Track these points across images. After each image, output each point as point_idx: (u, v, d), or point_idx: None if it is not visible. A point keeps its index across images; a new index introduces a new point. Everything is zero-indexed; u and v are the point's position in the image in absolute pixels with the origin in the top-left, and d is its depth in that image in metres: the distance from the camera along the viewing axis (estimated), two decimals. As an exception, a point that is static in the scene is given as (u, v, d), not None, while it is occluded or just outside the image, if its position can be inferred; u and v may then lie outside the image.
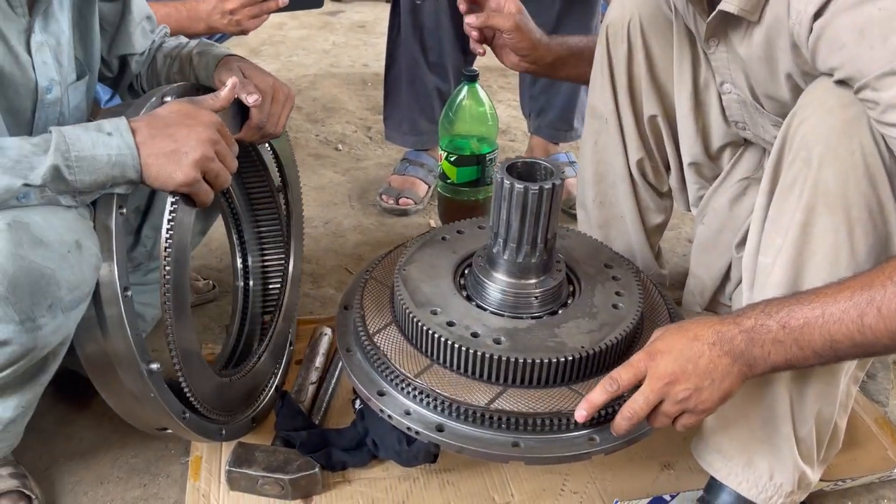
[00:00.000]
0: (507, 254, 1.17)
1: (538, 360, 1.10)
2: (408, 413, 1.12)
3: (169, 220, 1.08)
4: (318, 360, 1.48)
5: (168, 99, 1.14)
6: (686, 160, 1.46)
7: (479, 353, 1.10)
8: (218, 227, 1.62)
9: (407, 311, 1.17)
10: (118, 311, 1.02)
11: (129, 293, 1.03)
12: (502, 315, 1.18)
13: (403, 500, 1.26)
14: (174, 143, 1.03)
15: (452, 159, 1.95)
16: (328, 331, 1.54)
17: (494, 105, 2.00)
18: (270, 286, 1.53)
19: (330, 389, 1.44)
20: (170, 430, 1.18)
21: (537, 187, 1.10)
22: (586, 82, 1.51)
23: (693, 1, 1.22)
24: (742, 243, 1.24)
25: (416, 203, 2.15)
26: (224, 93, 1.15)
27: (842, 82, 0.99)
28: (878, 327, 0.90)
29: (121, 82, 1.40)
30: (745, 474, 1.13)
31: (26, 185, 0.94)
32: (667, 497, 1.27)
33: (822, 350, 0.93)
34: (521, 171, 1.17)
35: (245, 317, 1.51)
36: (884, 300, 0.89)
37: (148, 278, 1.48)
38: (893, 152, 0.97)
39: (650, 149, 1.49)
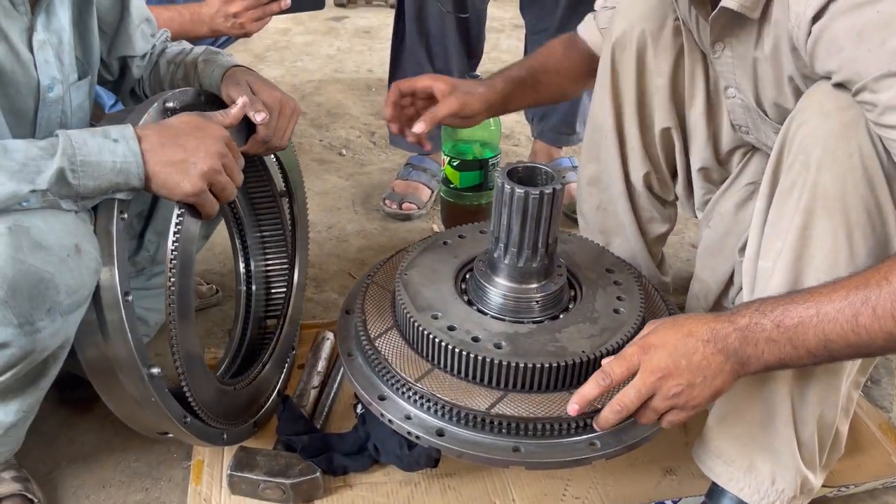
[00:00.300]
0: (508, 258, 1.17)
1: (539, 365, 1.10)
2: (409, 418, 1.12)
3: (175, 230, 1.09)
4: (321, 365, 1.48)
5: (170, 104, 1.14)
6: (696, 166, 1.46)
7: (479, 358, 1.10)
8: (221, 231, 1.62)
9: (408, 315, 1.17)
10: (119, 315, 1.02)
11: (129, 298, 1.03)
12: (503, 320, 1.18)
13: (404, 505, 1.26)
14: (183, 153, 1.04)
15: (455, 164, 1.95)
16: (330, 335, 1.55)
17: (497, 110, 2.00)
18: (273, 291, 1.54)
19: (332, 394, 1.44)
20: (171, 435, 1.18)
21: (538, 192, 1.10)
22: (543, 104, 1.51)
23: (697, 6, 1.22)
24: (744, 248, 1.24)
25: (419, 208, 2.16)
26: (234, 111, 1.18)
27: (840, 85, 0.99)
28: (873, 327, 0.89)
29: (122, 86, 1.40)
30: (747, 479, 1.12)
31: (33, 190, 0.95)
32: (668, 503, 1.27)
33: (816, 349, 0.93)
34: (522, 175, 1.17)
35: (248, 321, 1.51)
36: (879, 300, 0.89)
37: (151, 283, 1.48)
38: (891, 154, 0.96)
39: (658, 162, 1.48)
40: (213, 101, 1.27)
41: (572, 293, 1.26)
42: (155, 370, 1.06)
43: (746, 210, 1.42)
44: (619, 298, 1.23)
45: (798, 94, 1.12)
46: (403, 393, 1.14)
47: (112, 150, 0.99)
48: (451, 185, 1.99)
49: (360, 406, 1.32)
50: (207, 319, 1.71)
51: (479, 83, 1.49)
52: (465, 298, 1.22)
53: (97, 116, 1.56)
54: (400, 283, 1.23)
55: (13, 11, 1.07)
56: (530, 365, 1.10)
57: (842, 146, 0.97)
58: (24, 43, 1.09)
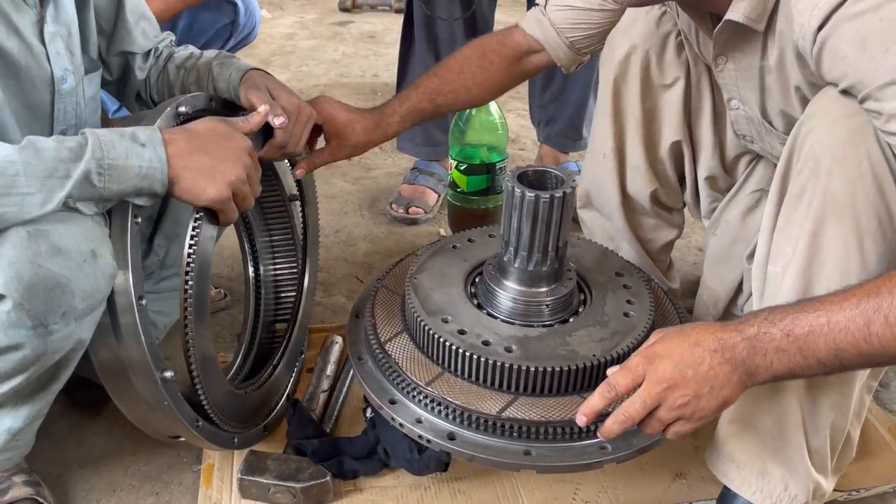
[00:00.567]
0: (518, 262, 1.17)
1: (550, 369, 1.10)
2: (419, 421, 1.12)
3: (192, 234, 1.09)
4: (330, 369, 1.48)
5: (182, 108, 1.15)
6: (702, 175, 1.46)
7: (490, 362, 1.10)
8: (230, 236, 1.63)
9: (418, 319, 1.17)
10: (133, 319, 1.03)
11: (143, 301, 1.04)
12: (513, 323, 1.18)
13: (414, 509, 1.26)
14: (211, 160, 1.05)
15: (462, 168, 1.96)
16: (339, 339, 1.55)
17: (504, 114, 2.01)
18: (282, 295, 1.54)
19: (341, 398, 1.44)
20: (182, 438, 1.18)
21: (548, 196, 1.11)
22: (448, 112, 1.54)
23: (698, 20, 1.22)
24: (753, 254, 1.24)
25: (426, 212, 2.16)
26: (255, 119, 1.19)
27: (847, 92, 1.00)
28: (886, 336, 0.88)
29: (126, 89, 1.39)
30: (760, 484, 1.12)
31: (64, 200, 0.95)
32: (679, 506, 1.27)
33: (827, 359, 0.92)
34: (532, 179, 1.18)
35: (257, 326, 1.52)
36: (891, 308, 0.88)
37: (160, 286, 1.49)
38: None
39: (665, 176, 1.48)
40: (224, 106, 1.28)
41: (582, 297, 1.26)
42: (168, 374, 1.07)
43: (753, 217, 1.42)
44: (628, 302, 1.23)
45: (805, 102, 1.12)
46: (414, 397, 1.14)
47: (139, 155, 1.00)
48: (459, 189, 1.99)
49: (369, 410, 1.32)
50: (216, 323, 1.71)
51: (374, 124, 1.45)
52: (475, 302, 1.23)
53: (102, 120, 1.56)
54: (410, 286, 1.23)
55: (23, 5, 1.08)
56: (541, 369, 1.10)
57: (851, 153, 0.97)
58: (35, 36, 1.10)
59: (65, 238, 0.95)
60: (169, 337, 1.52)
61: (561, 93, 2.17)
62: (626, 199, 1.50)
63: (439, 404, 1.11)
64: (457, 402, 1.10)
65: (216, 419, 1.18)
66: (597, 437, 1.09)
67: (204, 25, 1.92)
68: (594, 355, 1.12)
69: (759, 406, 1.10)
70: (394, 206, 2.17)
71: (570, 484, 1.30)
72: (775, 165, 1.34)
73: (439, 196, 2.21)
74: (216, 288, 1.78)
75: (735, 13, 1.12)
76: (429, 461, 1.23)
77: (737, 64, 1.22)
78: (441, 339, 1.13)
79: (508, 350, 1.12)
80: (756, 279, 1.13)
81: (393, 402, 1.16)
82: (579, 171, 2.23)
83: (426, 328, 1.16)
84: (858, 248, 0.98)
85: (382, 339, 1.20)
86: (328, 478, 1.23)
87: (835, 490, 1.21)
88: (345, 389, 1.45)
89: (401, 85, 2.20)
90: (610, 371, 1.02)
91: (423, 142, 2.22)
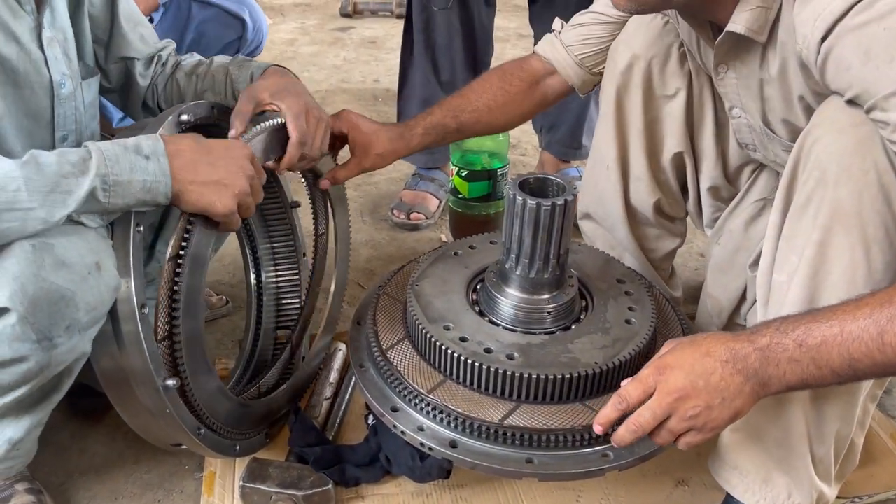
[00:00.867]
0: (519, 269, 1.17)
1: (552, 376, 1.10)
2: (421, 429, 1.12)
3: (184, 238, 1.09)
4: (333, 376, 1.48)
5: (185, 117, 1.15)
6: (705, 185, 1.46)
7: (492, 369, 1.10)
8: (231, 242, 1.63)
9: (420, 326, 1.17)
10: (135, 327, 1.03)
11: (145, 310, 1.04)
12: (515, 331, 1.18)
13: (416, 517, 1.26)
14: (216, 174, 1.05)
15: (464, 174, 1.96)
16: (342, 346, 1.55)
17: (505, 120, 2.01)
18: (283, 302, 1.54)
19: (343, 405, 1.44)
20: (184, 446, 1.18)
21: (550, 203, 1.11)
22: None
23: (698, 29, 1.22)
24: (756, 263, 1.24)
25: (427, 218, 2.16)
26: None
27: (853, 101, 1.00)
28: None
29: (129, 97, 1.38)
30: (763, 492, 1.12)
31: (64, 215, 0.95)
32: (681, 514, 1.27)
33: (841, 369, 0.91)
34: (534, 187, 1.18)
35: (258, 332, 1.52)
36: None
37: (161, 294, 1.49)
38: None
39: (667, 186, 1.48)
40: (227, 113, 1.28)
41: (583, 304, 1.26)
42: (170, 382, 1.07)
43: (756, 226, 1.42)
44: (630, 309, 1.23)
45: (809, 112, 1.12)
46: (416, 404, 1.14)
47: (143, 168, 1.00)
48: (460, 196, 1.99)
49: (371, 417, 1.32)
50: (217, 330, 1.71)
51: (398, 135, 1.46)
52: (477, 309, 1.23)
53: (106, 127, 1.56)
54: (411, 293, 1.23)
55: (20, 11, 1.08)
56: (543, 376, 1.10)
57: (857, 162, 0.97)
58: (34, 42, 1.10)
59: (69, 251, 0.96)
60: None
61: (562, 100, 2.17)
62: (629, 210, 1.50)
63: (441, 412, 1.11)
64: (459, 410, 1.10)
65: (216, 427, 1.18)
66: (599, 445, 1.10)
67: (211, 41, 1.92)
68: (596, 363, 1.12)
69: (763, 414, 1.10)
70: (395, 211, 2.17)
71: (573, 491, 1.30)
72: (778, 175, 1.35)
73: (441, 202, 2.21)
74: (218, 295, 1.78)
75: (737, 25, 1.12)
76: (431, 468, 1.23)
77: (738, 73, 1.22)
78: (443, 347, 1.13)
79: (510, 357, 1.12)
80: (761, 287, 1.13)
81: (395, 409, 1.16)
82: (580, 175, 2.24)
83: (428, 335, 1.16)
84: (865, 257, 0.98)
85: (384, 347, 1.20)
86: (330, 486, 1.23)
87: (838, 497, 1.20)
88: (347, 397, 1.45)
89: (402, 91, 2.20)
90: (624, 383, 1.02)
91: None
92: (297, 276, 1.53)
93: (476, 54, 2.13)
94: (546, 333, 1.18)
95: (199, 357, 1.14)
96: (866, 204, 0.97)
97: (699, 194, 1.49)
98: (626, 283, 1.29)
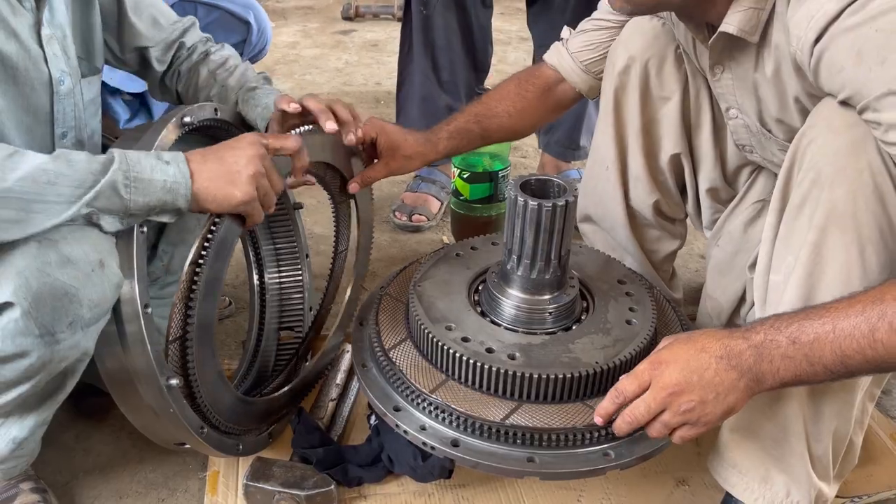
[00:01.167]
0: (520, 270, 1.18)
1: (553, 376, 1.10)
2: (423, 428, 1.13)
3: (207, 238, 1.09)
4: (339, 377, 1.49)
5: (187, 119, 1.16)
6: (704, 187, 1.47)
7: (494, 369, 1.11)
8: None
9: (422, 326, 1.18)
10: (139, 327, 1.04)
11: (149, 310, 1.05)
12: (516, 331, 1.19)
13: (418, 516, 1.27)
14: (224, 164, 1.06)
15: (465, 176, 1.97)
16: (349, 347, 1.55)
17: (506, 122, 2.02)
18: (286, 303, 1.55)
19: (349, 406, 1.44)
20: (188, 445, 1.19)
21: (551, 204, 1.12)
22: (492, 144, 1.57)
23: (694, 31, 1.23)
24: (754, 264, 1.24)
25: (428, 220, 2.17)
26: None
27: (846, 102, 1.00)
28: (890, 342, 0.89)
29: (148, 79, 1.41)
30: (762, 490, 1.12)
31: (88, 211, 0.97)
32: (682, 513, 1.27)
33: (833, 365, 0.93)
34: (535, 188, 1.19)
35: (261, 333, 1.53)
36: (895, 315, 0.89)
37: (164, 292, 1.50)
38: None
39: (666, 187, 1.49)
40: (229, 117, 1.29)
41: (585, 304, 1.27)
42: (173, 381, 1.08)
43: (755, 228, 1.43)
44: (631, 309, 1.24)
45: (805, 113, 1.13)
46: (418, 404, 1.15)
47: (163, 170, 1.02)
48: (462, 197, 2.00)
49: (373, 417, 1.33)
50: (220, 331, 1.72)
51: (425, 139, 1.48)
52: (479, 310, 1.23)
53: (110, 128, 1.57)
54: (413, 294, 1.24)
55: (20, 8, 1.09)
56: (544, 376, 1.10)
57: (851, 163, 0.98)
58: (33, 38, 1.11)
59: (73, 248, 0.97)
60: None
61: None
62: (629, 211, 1.51)
63: (443, 411, 1.12)
64: (460, 410, 1.11)
65: (220, 425, 1.19)
66: (600, 444, 1.10)
67: None
68: (597, 363, 1.13)
69: (761, 413, 1.11)
70: (397, 213, 2.18)
71: (574, 490, 1.31)
72: (776, 176, 1.36)
73: (442, 204, 2.22)
74: (221, 295, 1.79)
75: (729, 25, 1.13)
76: (433, 468, 1.24)
77: (733, 73, 1.23)
78: (445, 347, 1.14)
79: (512, 357, 1.13)
80: (758, 288, 1.14)
81: (397, 409, 1.16)
82: (580, 178, 2.25)
83: (430, 336, 1.16)
84: (860, 257, 0.99)
85: (386, 347, 1.21)
86: (332, 486, 1.24)
87: (837, 496, 1.21)
88: (352, 398, 1.46)
89: (400, 89, 2.21)
90: (622, 378, 1.03)
91: None
92: (300, 277, 1.54)
93: (476, 54, 2.14)
94: (547, 334, 1.19)
95: (208, 347, 1.15)
96: (861, 205, 0.98)
97: (698, 196, 1.50)
98: (627, 283, 1.30)
